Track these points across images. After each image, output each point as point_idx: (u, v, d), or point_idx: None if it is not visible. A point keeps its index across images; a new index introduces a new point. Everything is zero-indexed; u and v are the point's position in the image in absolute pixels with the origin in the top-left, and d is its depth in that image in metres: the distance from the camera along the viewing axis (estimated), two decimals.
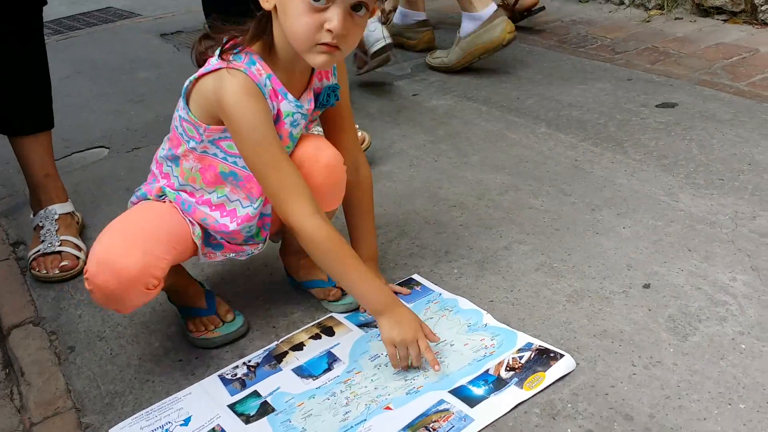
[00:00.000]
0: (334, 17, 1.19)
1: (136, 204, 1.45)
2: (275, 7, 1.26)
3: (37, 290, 1.76)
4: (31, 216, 1.95)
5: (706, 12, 3.33)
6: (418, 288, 1.60)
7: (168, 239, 1.34)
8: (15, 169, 2.40)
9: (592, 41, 3.24)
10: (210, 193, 1.41)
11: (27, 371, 1.49)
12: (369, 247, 1.58)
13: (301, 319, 1.55)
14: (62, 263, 1.78)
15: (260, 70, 1.30)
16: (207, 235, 1.44)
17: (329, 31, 1.20)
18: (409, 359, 1.34)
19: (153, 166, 1.48)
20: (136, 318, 1.61)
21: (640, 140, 2.19)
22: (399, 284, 1.61)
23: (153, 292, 1.33)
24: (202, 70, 1.31)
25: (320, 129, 1.54)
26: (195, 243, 1.39)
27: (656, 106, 2.44)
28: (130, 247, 1.28)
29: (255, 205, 1.40)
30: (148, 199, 1.44)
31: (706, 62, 2.81)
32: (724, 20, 3.26)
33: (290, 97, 1.34)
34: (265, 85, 1.30)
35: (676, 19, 3.37)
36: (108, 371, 1.47)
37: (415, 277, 1.64)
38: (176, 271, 1.49)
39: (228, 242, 1.45)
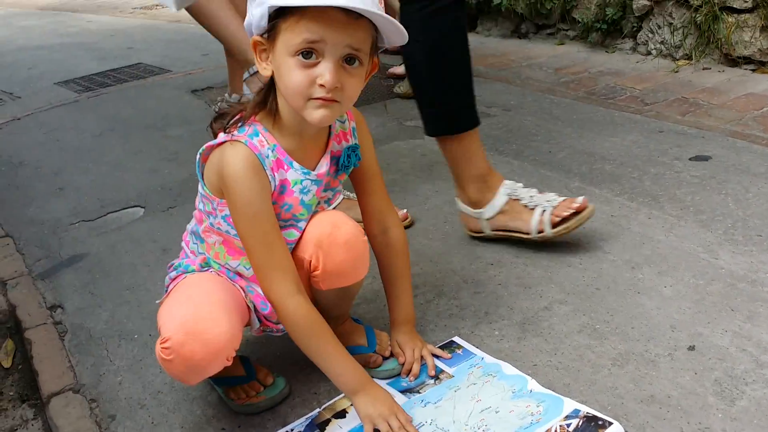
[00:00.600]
0: (325, 71, 1.21)
1: (177, 278, 1.45)
2: (273, 71, 1.28)
3: (76, 356, 1.76)
4: None
5: (734, 62, 3.33)
6: (459, 351, 1.58)
7: (237, 309, 1.36)
8: (51, 230, 2.44)
9: (621, 92, 3.24)
10: (238, 265, 1.43)
11: None
12: (404, 310, 1.57)
13: None
14: None
15: (262, 141, 1.32)
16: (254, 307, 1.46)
17: (322, 86, 1.21)
18: None
19: (183, 243, 1.51)
20: (177, 384, 1.60)
21: (676, 195, 2.18)
22: (440, 347, 1.59)
23: (228, 363, 1.32)
24: (208, 144, 1.34)
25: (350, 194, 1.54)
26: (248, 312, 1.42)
27: (690, 159, 2.43)
28: (218, 318, 1.28)
29: None
30: (192, 271, 1.44)
31: (737, 113, 2.81)
32: (753, 70, 3.26)
33: (296, 165, 1.35)
34: (267, 156, 1.31)
35: (704, 69, 3.37)
36: None
37: (456, 339, 1.62)
38: None
39: (266, 319, 1.46)
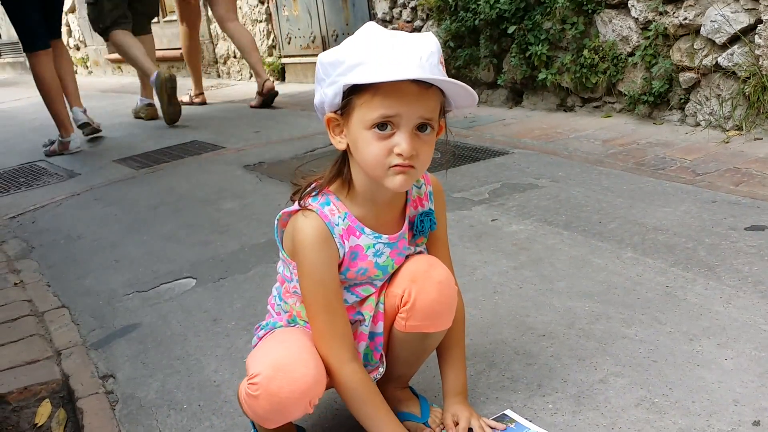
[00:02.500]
0: (401, 141, 1.27)
1: (266, 335, 1.48)
2: (348, 145, 1.34)
3: (126, 425, 1.77)
4: None
5: None
6: (512, 426, 1.53)
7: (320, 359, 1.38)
8: (105, 301, 2.48)
9: (671, 163, 3.21)
10: None
11: None
12: (458, 380, 1.56)
13: None
14: None
15: (333, 210, 1.37)
16: None
17: (399, 154, 1.28)
18: None
19: (268, 306, 1.56)
20: None
21: (733, 265, 2.13)
22: (493, 419, 1.55)
23: (310, 410, 1.34)
24: (284, 210, 1.41)
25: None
26: None
27: (745, 228, 2.38)
28: (307, 360, 1.33)
29: (366, 323, 1.45)
30: (281, 326, 1.49)
31: None
32: None
33: (368, 231, 1.40)
34: (338, 225, 1.36)
35: (755, 139, 3.33)
36: None
37: (508, 413, 1.58)
38: None
39: None
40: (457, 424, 1.51)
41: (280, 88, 6.92)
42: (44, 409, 1.91)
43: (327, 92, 1.31)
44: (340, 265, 1.40)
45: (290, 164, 3.85)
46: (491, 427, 1.51)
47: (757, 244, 2.24)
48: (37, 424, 1.86)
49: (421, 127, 1.30)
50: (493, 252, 2.48)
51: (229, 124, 5.63)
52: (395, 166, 1.29)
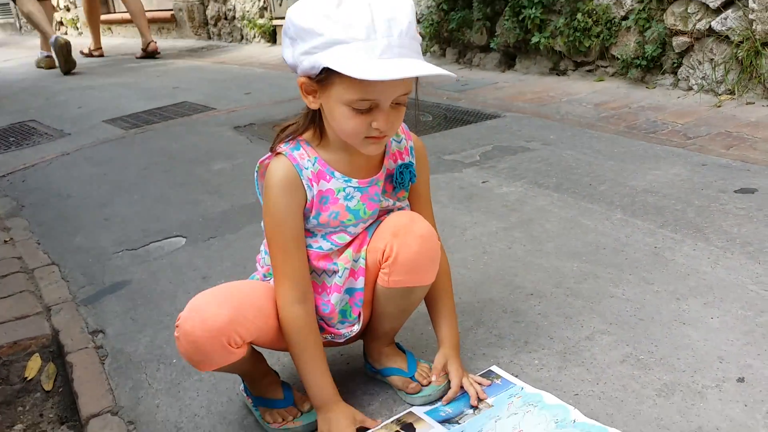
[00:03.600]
0: (379, 117, 1.30)
1: None
2: (321, 106, 1.35)
3: (115, 379, 1.77)
4: None
5: None
6: (498, 381, 1.55)
7: (261, 306, 1.40)
8: (95, 258, 2.48)
9: (663, 127, 3.21)
10: None
11: None
12: (449, 333, 1.57)
13: (379, 411, 1.52)
14: None
15: (303, 154, 1.40)
16: None
17: (376, 129, 1.31)
18: None
19: (256, 261, 1.57)
20: (213, 408, 1.60)
21: (722, 226, 2.14)
22: (480, 376, 1.57)
23: (235, 352, 1.36)
24: (260, 160, 1.45)
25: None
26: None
27: (735, 191, 2.39)
28: (223, 302, 1.36)
29: (340, 274, 1.45)
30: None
31: None
32: None
33: (338, 174, 1.41)
34: (306, 168, 1.39)
35: (747, 103, 3.33)
36: None
37: (494, 369, 1.59)
38: (257, 359, 1.52)
39: (327, 324, 1.49)
40: (446, 374, 1.53)
41: (271, 50, 6.87)
42: (34, 363, 1.91)
43: (302, 60, 1.29)
44: (310, 209, 1.41)
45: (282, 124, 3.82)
46: (478, 383, 1.52)
47: (746, 206, 2.25)
48: (26, 377, 1.87)
49: (397, 100, 1.32)
50: (484, 213, 2.48)
51: (220, 85, 5.58)
52: (371, 137, 1.33)
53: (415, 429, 1.44)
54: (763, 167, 2.57)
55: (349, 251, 1.46)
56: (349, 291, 1.48)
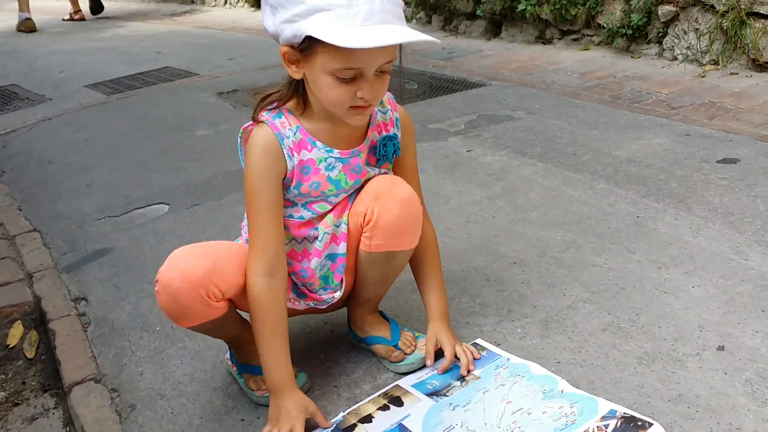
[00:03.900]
0: (364, 86, 1.29)
1: None
2: (305, 75, 1.33)
3: (98, 347, 1.77)
4: None
5: (761, 67, 3.30)
6: (483, 353, 1.55)
7: (240, 263, 1.39)
8: (77, 225, 2.46)
9: (647, 96, 3.21)
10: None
11: (88, 429, 1.48)
12: (438, 305, 1.57)
13: (363, 379, 1.53)
14: None
15: (285, 123, 1.38)
16: (294, 285, 1.50)
17: (361, 98, 1.30)
18: None
19: (241, 225, 1.56)
20: (197, 376, 1.60)
21: (704, 197, 2.15)
22: None
23: (214, 306, 1.36)
24: (243, 126, 1.44)
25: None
26: None
27: (717, 161, 2.40)
28: (201, 255, 1.36)
29: (320, 239, 1.45)
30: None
31: (766, 117, 2.77)
32: None
33: (319, 144, 1.40)
34: (287, 137, 1.37)
35: (731, 74, 3.34)
36: (169, 431, 1.45)
37: (480, 341, 1.60)
38: (243, 325, 1.51)
39: (309, 290, 1.49)
40: (439, 348, 1.53)
41: (256, 14, 6.79)
42: (16, 331, 1.90)
43: (283, 28, 1.28)
44: (291, 179, 1.40)
45: (266, 90, 3.79)
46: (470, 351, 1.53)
47: (729, 177, 2.26)
48: (9, 345, 1.86)
49: (382, 68, 1.30)
50: (468, 182, 2.48)
51: (203, 50, 5.52)
52: (355, 107, 1.32)
53: (402, 402, 1.44)
54: (746, 138, 2.59)
55: (330, 216, 1.45)
56: (331, 257, 1.47)
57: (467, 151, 2.76)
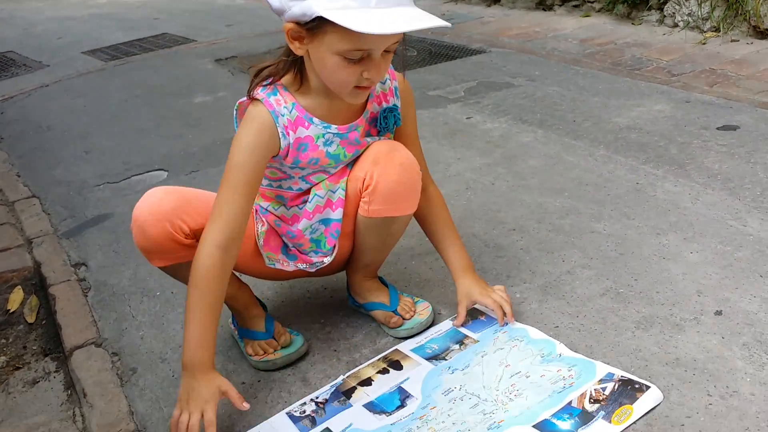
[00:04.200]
0: (371, 67, 1.27)
1: None
2: (308, 52, 1.30)
3: (98, 311, 1.78)
4: None
5: (762, 34, 3.27)
6: (482, 318, 1.56)
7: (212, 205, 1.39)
8: (76, 191, 2.46)
9: (648, 63, 3.20)
10: (268, 206, 1.50)
11: (89, 393, 1.49)
12: (460, 259, 1.56)
13: (362, 343, 1.54)
14: None
15: (280, 100, 1.35)
16: (285, 246, 1.50)
17: (367, 79, 1.28)
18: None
19: None
20: None
21: (704, 163, 2.15)
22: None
23: (182, 242, 1.35)
24: (240, 101, 1.41)
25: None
26: (256, 244, 1.46)
27: (717, 128, 2.39)
28: (173, 191, 1.38)
29: (311, 201, 1.45)
30: None
31: (766, 84, 2.76)
32: None
33: (316, 120, 1.38)
34: (283, 115, 1.35)
35: (732, 41, 3.31)
36: (170, 393, 1.46)
37: (478, 306, 1.60)
38: (241, 288, 1.52)
39: (299, 251, 1.49)
40: (483, 302, 1.53)
41: None
42: (16, 296, 1.91)
43: (291, 5, 1.24)
44: (284, 156, 1.38)
45: (264, 59, 3.77)
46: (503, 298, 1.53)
47: (728, 143, 2.26)
48: (9, 310, 1.87)
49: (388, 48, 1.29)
50: (467, 149, 2.47)
51: (201, 17, 5.48)
52: (359, 87, 1.30)
53: (402, 366, 1.45)
54: (746, 104, 2.58)
55: (325, 181, 1.45)
56: (325, 221, 1.47)
57: (467, 118, 2.75)
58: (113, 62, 4.27)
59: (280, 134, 1.35)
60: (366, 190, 1.41)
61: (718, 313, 1.49)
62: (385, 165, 1.39)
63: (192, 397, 1.28)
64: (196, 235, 1.36)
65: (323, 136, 1.39)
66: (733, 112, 2.52)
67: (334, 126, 1.40)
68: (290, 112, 1.36)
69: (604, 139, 2.40)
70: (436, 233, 1.58)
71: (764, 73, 2.89)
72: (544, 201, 2.04)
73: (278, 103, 1.35)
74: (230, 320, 1.60)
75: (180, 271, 1.42)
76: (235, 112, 1.43)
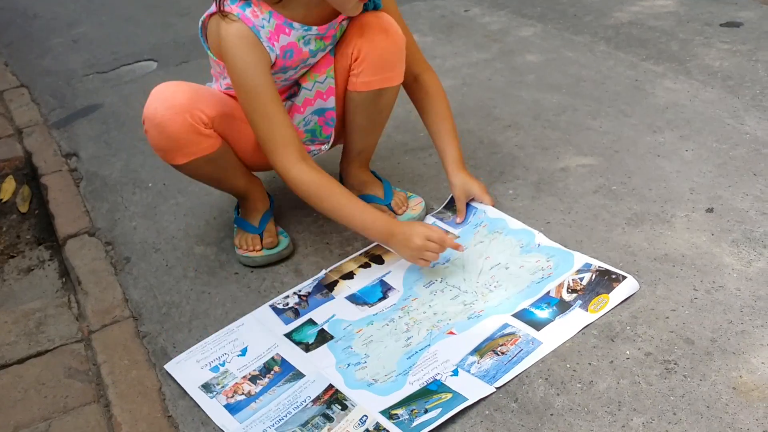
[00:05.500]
0: None
1: None
2: None
3: (91, 201, 1.77)
4: None
5: None
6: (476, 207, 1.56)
7: (219, 98, 1.39)
8: (65, 81, 2.42)
9: None
10: None
11: (84, 280, 1.51)
12: (453, 150, 1.54)
13: (354, 237, 1.54)
14: None
15: (255, 12, 1.30)
16: None
17: None
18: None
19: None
20: (191, 231, 1.62)
21: (704, 60, 2.11)
22: (445, 206, 1.58)
23: (204, 133, 1.34)
24: (206, 13, 1.34)
25: None
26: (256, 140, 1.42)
27: (720, 25, 2.34)
28: (182, 84, 1.35)
29: (299, 95, 1.44)
30: None
31: None
32: None
33: (296, 24, 1.34)
34: (263, 27, 1.30)
35: None
36: (164, 282, 1.48)
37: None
38: (252, 182, 1.53)
39: None
40: (472, 199, 1.54)
41: None
42: (8, 185, 1.90)
43: None
44: (274, 66, 1.35)
45: None
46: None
47: (731, 40, 2.21)
48: (2, 199, 1.86)
49: None
50: (465, 43, 2.42)
51: None
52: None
53: (383, 260, 1.46)
54: (750, 1, 2.51)
55: (310, 73, 1.42)
56: (318, 111, 1.46)
57: (465, 10, 2.68)
58: None
59: (267, 47, 1.31)
60: (355, 61, 1.40)
61: (710, 210, 1.49)
62: (371, 34, 1.38)
63: (415, 238, 1.32)
64: (214, 123, 1.35)
65: (304, 38, 1.36)
66: (738, 8, 2.46)
67: (314, 27, 1.36)
68: (269, 21, 1.31)
69: (605, 35, 2.35)
70: (431, 125, 1.56)
71: None
72: (541, 97, 2.01)
73: (254, 15, 1.30)
74: (235, 207, 1.60)
75: (202, 167, 1.40)
76: (200, 32, 1.37)
